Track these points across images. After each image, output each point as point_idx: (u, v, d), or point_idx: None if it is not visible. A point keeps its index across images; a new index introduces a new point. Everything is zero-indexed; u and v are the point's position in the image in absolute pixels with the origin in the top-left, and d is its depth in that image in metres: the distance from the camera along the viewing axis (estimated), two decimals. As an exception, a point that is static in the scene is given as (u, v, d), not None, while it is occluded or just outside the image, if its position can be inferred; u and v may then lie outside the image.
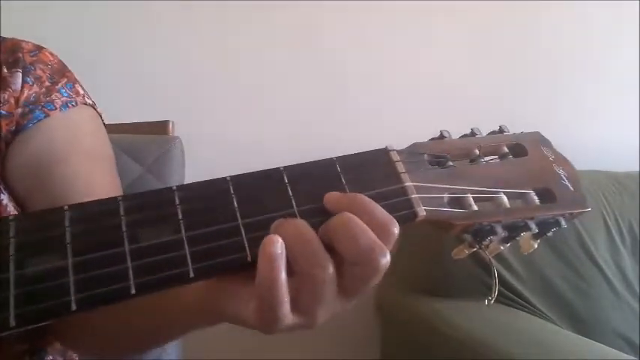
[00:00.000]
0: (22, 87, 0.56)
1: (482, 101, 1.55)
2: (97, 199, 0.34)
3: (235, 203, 0.35)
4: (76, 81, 0.62)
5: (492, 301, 0.46)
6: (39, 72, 0.58)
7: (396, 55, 1.47)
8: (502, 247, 0.44)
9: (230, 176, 0.36)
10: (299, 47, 1.39)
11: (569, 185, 0.45)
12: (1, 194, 0.53)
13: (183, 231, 0.33)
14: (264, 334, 0.35)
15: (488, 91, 1.55)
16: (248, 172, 0.37)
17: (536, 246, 0.45)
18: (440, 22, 1.49)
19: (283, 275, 0.33)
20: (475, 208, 0.41)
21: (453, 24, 1.50)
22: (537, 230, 0.43)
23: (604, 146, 1.67)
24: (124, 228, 0.33)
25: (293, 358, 1.35)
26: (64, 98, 0.58)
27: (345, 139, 1.42)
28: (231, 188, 0.36)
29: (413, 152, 0.42)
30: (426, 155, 0.42)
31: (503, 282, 1.23)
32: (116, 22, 1.26)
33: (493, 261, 0.43)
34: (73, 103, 0.59)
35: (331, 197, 0.37)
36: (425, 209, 0.39)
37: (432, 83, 1.50)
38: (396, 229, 0.36)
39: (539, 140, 0.49)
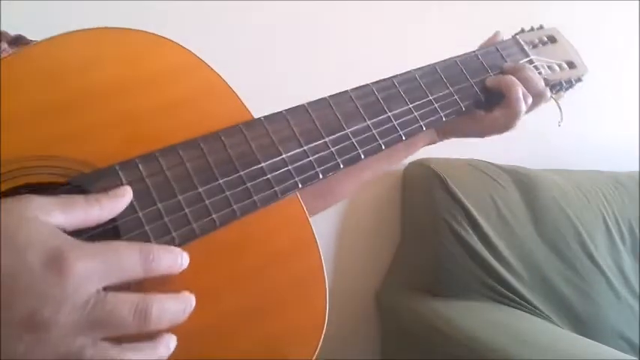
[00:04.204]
0: None
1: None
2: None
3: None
4: None
5: (562, 122, 0.76)
6: None
7: (396, 53, 1.47)
8: (562, 94, 0.74)
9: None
10: (299, 46, 1.39)
11: (580, 59, 0.77)
12: None
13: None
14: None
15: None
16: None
17: (564, 94, 0.75)
18: (437, 21, 1.49)
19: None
20: (550, 72, 0.71)
21: (451, 23, 1.50)
22: (573, 84, 0.75)
23: (604, 146, 1.67)
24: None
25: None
26: None
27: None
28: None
29: (524, 41, 0.72)
30: (522, 43, 0.72)
31: (503, 282, 1.23)
32: (116, 22, 1.26)
33: (557, 101, 0.74)
34: None
35: (508, 65, 0.67)
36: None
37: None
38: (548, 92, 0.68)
39: (559, 32, 0.79)
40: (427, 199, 1.27)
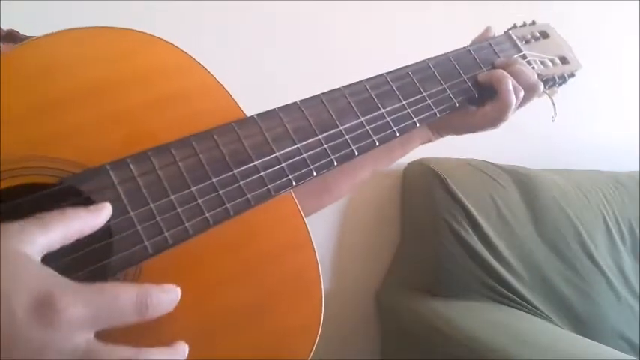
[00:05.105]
0: None
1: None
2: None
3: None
4: None
5: (555, 118, 0.76)
6: None
7: (397, 53, 1.47)
8: (556, 90, 0.76)
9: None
10: (299, 45, 1.38)
11: (572, 55, 0.76)
12: None
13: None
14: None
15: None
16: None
17: (557, 90, 0.77)
18: (437, 22, 1.49)
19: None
20: (542, 67, 0.72)
21: (452, 23, 1.50)
22: (566, 79, 0.75)
23: (604, 146, 1.67)
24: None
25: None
26: None
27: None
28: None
29: (516, 37, 0.73)
30: (515, 38, 0.73)
31: (503, 282, 1.23)
32: (115, 21, 1.26)
33: (550, 97, 0.75)
34: None
35: (501, 60, 0.68)
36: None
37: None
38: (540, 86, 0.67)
39: (552, 28, 0.79)
40: (427, 199, 1.27)
